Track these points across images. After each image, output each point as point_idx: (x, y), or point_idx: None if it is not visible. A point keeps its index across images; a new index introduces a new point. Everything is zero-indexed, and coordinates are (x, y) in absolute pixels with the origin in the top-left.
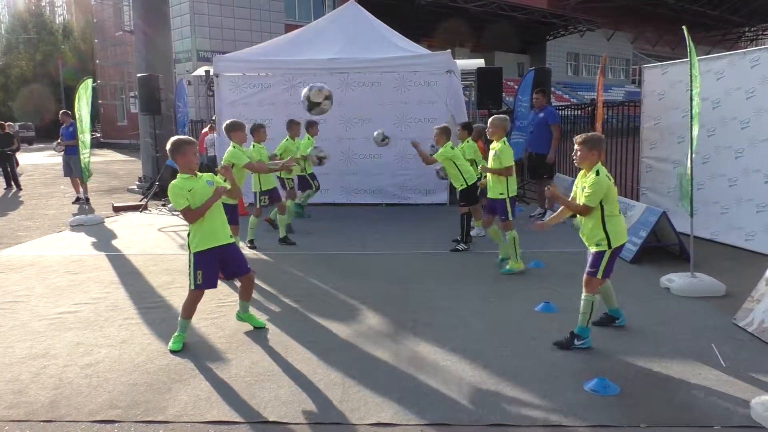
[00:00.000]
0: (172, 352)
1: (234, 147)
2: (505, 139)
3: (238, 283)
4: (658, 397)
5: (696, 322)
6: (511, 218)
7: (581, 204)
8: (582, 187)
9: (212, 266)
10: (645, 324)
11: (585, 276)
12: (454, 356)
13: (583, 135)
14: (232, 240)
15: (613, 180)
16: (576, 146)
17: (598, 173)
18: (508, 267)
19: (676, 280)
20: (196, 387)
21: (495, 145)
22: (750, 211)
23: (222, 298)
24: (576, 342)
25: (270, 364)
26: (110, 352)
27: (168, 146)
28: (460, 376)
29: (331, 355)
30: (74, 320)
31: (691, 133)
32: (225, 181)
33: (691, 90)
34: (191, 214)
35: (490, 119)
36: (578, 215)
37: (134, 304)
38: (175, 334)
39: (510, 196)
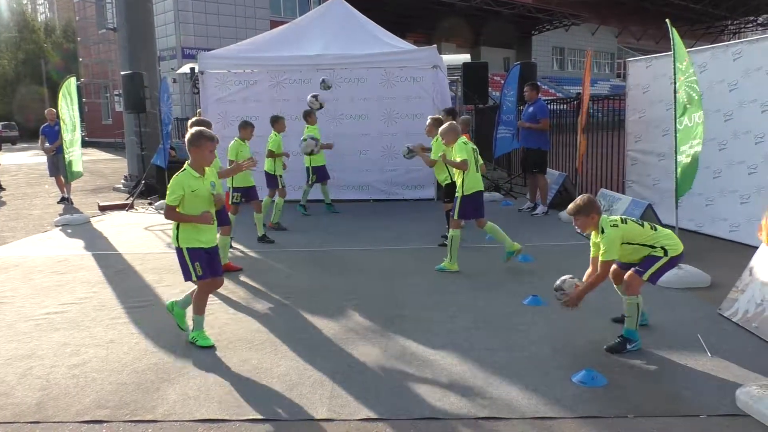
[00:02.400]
0: (208, 347)
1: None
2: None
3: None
4: (645, 388)
5: (682, 313)
6: (456, 217)
7: (600, 267)
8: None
9: (204, 258)
10: None
11: (630, 273)
12: (442, 351)
13: (572, 206)
14: (215, 244)
15: (620, 222)
16: (573, 220)
17: (603, 231)
18: (441, 265)
19: None
20: (185, 386)
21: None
22: (734, 203)
23: (210, 296)
24: (628, 346)
25: (258, 361)
26: (97, 352)
27: (187, 136)
28: (448, 370)
29: (320, 352)
30: (61, 320)
31: (676, 126)
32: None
33: (675, 83)
34: (174, 215)
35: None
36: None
37: (121, 303)
38: (195, 332)
39: (463, 194)
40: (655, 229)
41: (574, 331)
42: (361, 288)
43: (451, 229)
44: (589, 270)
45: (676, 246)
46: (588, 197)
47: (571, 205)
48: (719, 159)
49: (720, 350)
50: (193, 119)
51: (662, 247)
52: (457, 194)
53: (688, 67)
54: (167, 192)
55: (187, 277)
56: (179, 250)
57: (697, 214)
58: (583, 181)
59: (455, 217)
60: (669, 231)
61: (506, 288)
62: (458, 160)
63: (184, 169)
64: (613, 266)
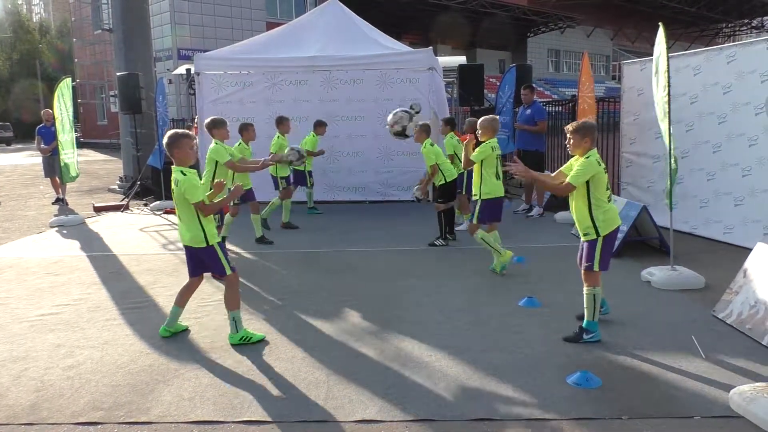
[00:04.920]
0: (259, 341)
1: (216, 144)
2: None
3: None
4: (639, 389)
5: (676, 314)
6: (475, 221)
7: (564, 184)
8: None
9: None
10: (626, 317)
11: (583, 272)
12: (438, 352)
13: (575, 123)
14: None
15: (604, 167)
16: (568, 134)
17: (588, 157)
18: (493, 265)
19: (656, 273)
20: (180, 387)
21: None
22: (728, 205)
23: (205, 297)
24: (585, 336)
25: (254, 362)
26: (92, 353)
27: (164, 140)
28: (444, 371)
29: (315, 353)
30: (55, 322)
31: (669, 127)
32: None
33: (669, 86)
34: (208, 208)
35: (479, 121)
36: (559, 195)
37: (116, 304)
38: (243, 330)
39: (482, 198)
40: (610, 200)
41: (568, 333)
42: (356, 289)
43: (474, 235)
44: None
45: (609, 223)
46: (592, 123)
47: (573, 123)
48: (713, 161)
49: (714, 352)
50: (210, 118)
51: (594, 225)
52: (475, 198)
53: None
54: (192, 193)
55: (221, 272)
56: (210, 249)
57: (692, 216)
58: None
59: (475, 221)
60: (613, 206)
61: (501, 289)
62: (471, 156)
63: (185, 173)
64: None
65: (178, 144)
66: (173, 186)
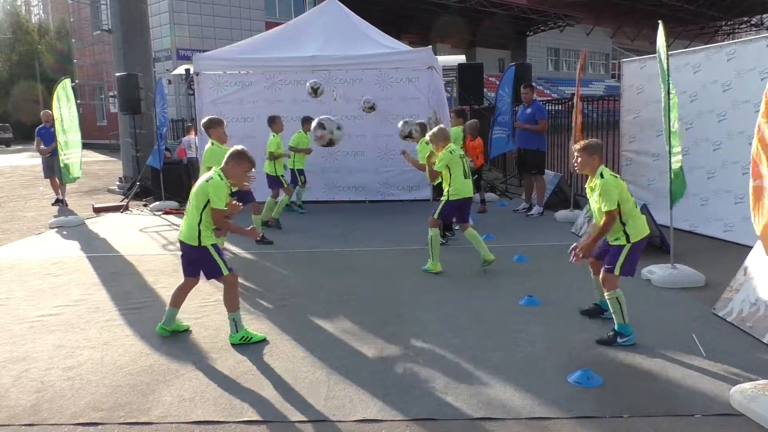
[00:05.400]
0: (260, 341)
1: (213, 145)
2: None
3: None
4: (640, 388)
5: (676, 312)
6: (435, 216)
7: (603, 217)
8: (593, 197)
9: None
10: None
11: (602, 273)
12: (438, 351)
13: (582, 142)
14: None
15: (620, 178)
16: (576, 153)
17: (602, 176)
18: (425, 266)
19: (656, 271)
20: (180, 387)
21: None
22: (728, 203)
23: (205, 297)
24: (619, 339)
25: (254, 362)
26: (92, 354)
27: (231, 150)
28: (444, 371)
29: (316, 353)
30: (55, 323)
31: (668, 125)
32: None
33: (668, 83)
34: (222, 221)
35: (433, 131)
36: (612, 226)
37: (116, 305)
38: (243, 330)
39: (449, 199)
40: (637, 206)
41: (569, 331)
42: (356, 289)
43: (429, 228)
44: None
45: (639, 231)
46: (597, 141)
47: (581, 142)
48: (713, 159)
49: (714, 350)
50: (207, 118)
51: (625, 233)
52: (443, 198)
53: (664, 77)
54: (219, 197)
55: (215, 274)
56: (203, 250)
57: (692, 214)
58: (579, 181)
59: (435, 216)
60: (641, 215)
61: (502, 288)
62: (434, 167)
63: (222, 178)
64: (591, 259)
65: (240, 162)
66: (203, 180)
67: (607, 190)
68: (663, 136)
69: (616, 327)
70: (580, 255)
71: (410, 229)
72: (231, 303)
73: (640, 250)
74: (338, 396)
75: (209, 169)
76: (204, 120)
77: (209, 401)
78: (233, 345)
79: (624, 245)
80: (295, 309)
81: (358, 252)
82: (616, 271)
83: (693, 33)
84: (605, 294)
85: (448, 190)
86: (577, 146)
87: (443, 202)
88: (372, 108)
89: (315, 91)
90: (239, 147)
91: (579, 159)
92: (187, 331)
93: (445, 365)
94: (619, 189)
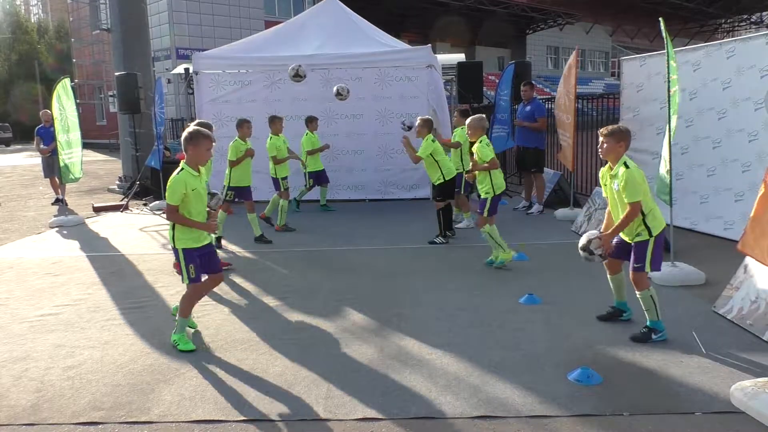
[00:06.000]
0: (187, 351)
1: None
2: (483, 137)
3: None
4: (640, 386)
5: (677, 310)
6: (485, 214)
7: (627, 208)
8: (612, 185)
9: (198, 259)
10: None
11: (632, 273)
12: (438, 350)
13: (610, 127)
14: (209, 241)
15: (642, 171)
16: (601, 138)
17: (626, 165)
18: (499, 260)
19: None
20: (180, 386)
21: (475, 147)
22: (728, 201)
23: (205, 297)
24: (653, 336)
25: (254, 361)
26: (92, 353)
27: (184, 134)
28: (444, 369)
29: (316, 352)
30: (55, 322)
31: (669, 123)
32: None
33: (668, 82)
34: (175, 216)
35: (467, 121)
36: (633, 219)
37: (116, 304)
38: (177, 335)
39: (495, 193)
40: (654, 200)
41: (569, 330)
42: (356, 287)
43: (486, 226)
44: (605, 222)
45: (659, 223)
46: (627, 128)
47: (608, 126)
48: (713, 157)
49: (714, 348)
50: (195, 122)
51: (647, 227)
52: (488, 194)
53: (674, 70)
54: (167, 192)
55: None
56: (176, 251)
57: (692, 212)
58: (578, 179)
59: (486, 214)
60: (657, 208)
61: (502, 287)
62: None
63: (182, 168)
64: (608, 259)
65: (196, 142)
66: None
67: (633, 182)
68: (663, 134)
69: (648, 323)
70: (608, 249)
71: (410, 228)
72: (182, 308)
73: (663, 241)
74: (338, 395)
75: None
76: (193, 124)
77: (209, 400)
78: (172, 345)
79: (648, 240)
80: (295, 307)
81: (358, 251)
82: (647, 268)
83: (693, 31)
84: (637, 293)
85: (491, 185)
86: (604, 131)
87: (490, 198)
88: (341, 96)
89: (298, 75)
90: (190, 129)
91: (604, 144)
92: (188, 329)
93: (445, 363)
94: (643, 177)
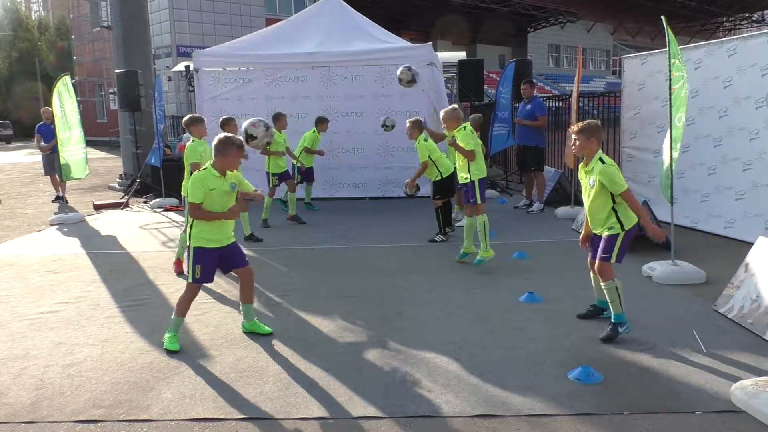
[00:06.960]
0: (171, 352)
1: (193, 141)
2: (466, 124)
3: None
4: (640, 385)
5: (677, 309)
6: (479, 201)
7: (626, 199)
8: (588, 180)
9: (211, 262)
10: (627, 312)
11: (597, 263)
12: (438, 348)
13: (580, 123)
14: (233, 239)
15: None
16: (573, 136)
17: (602, 161)
18: (478, 257)
19: (657, 268)
20: (180, 385)
21: (458, 133)
22: (729, 199)
23: (204, 294)
24: (620, 330)
25: (254, 360)
26: (92, 351)
27: (214, 142)
28: (444, 368)
29: (316, 350)
30: (55, 320)
31: (671, 121)
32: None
33: (670, 79)
34: (199, 212)
35: (440, 114)
36: (633, 208)
37: (116, 302)
38: (169, 334)
39: (477, 178)
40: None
41: (569, 328)
42: (356, 286)
43: (483, 215)
44: (584, 227)
45: (631, 218)
46: (597, 122)
47: (578, 123)
48: (714, 155)
49: (715, 346)
50: (187, 116)
51: (619, 221)
52: (472, 179)
53: (680, 68)
54: (189, 190)
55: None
56: (191, 249)
57: (693, 210)
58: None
59: (479, 201)
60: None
61: (502, 285)
62: (466, 148)
63: (206, 168)
64: (589, 258)
65: (225, 152)
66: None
67: (613, 175)
68: (664, 132)
69: (613, 319)
70: (658, 235)
71: (410, 226)
72: (179, 306)
73: (632, 237)
74: (338, 393)
75: (192, 166)
76: (185, 118)
77: (209, 398)
78: (173, 349)
79: (619, 233)
80: (295, 306)
81: (358, 249)
82: (613, 260)
83: (694, 29)
84: (602, 284)
85: (476, 169)
86: (575, 128)
87: (477, 181)
88: (392, 126)
89: (413, 81)
90: (221, 137)
91: (577, 142)
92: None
93: (446, 362)
94: (620, 173)
